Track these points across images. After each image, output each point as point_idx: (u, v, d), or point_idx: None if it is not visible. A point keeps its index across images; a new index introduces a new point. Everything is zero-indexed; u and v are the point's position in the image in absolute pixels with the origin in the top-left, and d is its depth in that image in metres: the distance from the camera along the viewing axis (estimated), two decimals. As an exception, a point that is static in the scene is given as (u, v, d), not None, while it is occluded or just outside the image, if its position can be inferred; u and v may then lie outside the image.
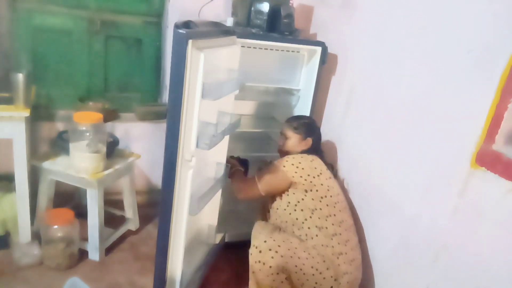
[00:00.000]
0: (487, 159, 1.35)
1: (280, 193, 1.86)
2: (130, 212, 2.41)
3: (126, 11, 2.48)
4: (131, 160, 2.27)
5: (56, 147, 2.20)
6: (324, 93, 2.34)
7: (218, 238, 2.18)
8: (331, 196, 1.81)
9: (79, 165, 2.00)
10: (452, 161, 1.49)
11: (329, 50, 2.18)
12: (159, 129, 2.55)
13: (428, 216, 1.60)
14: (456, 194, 1.46)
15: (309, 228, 1.77)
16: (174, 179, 1.58)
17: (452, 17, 1.52)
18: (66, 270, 2.01)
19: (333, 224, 1.77)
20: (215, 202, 2.08)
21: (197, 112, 1.53)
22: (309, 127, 2.01)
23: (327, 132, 2.36)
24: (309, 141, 1.98)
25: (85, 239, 2.11)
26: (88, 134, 2.01)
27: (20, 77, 1.79)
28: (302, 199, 1.80)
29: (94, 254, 2.11)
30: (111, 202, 2.46)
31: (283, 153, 2.02)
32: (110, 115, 2.42)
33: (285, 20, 2.13)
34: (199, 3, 2.35)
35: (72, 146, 2.00)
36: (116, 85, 2.62)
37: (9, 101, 1.82)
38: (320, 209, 1.78)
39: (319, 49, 2.15)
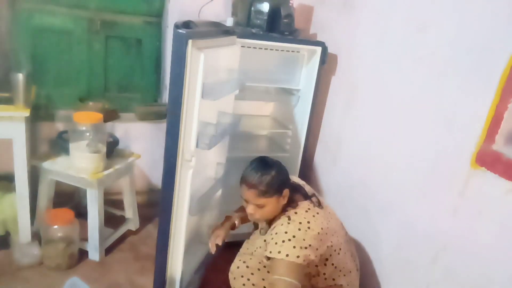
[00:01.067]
0: (487, 159, 1.35)
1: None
2: (130, 212, 2.41)
3: (126, 11, 2.48)
4: (131, 160, 2.27)
5: (56, 147, 2.20)
6: (324, 93, 2.34)
7: (218, 238, 2.17)
8: (335, 251, 1.56)
9: (79, 165, 2.00)
10: (452, 161, 1.49)
11: (329, 50, 2.18)
12: (159, 129, 2.55)
13: (428, 216, 1.60)
14: (456, 194, 1.46)
15: None
16: (174, 179, 1.58)
17: (452, 17, 1.52)
18: (66, 270, 2.01)
19: (326, 279, 1.58)
20: (215, 202, 2.08)
21: (197, 112, 1.53)
22: (277, 179, 1.52)
23: (327, 132, 2.36)
24: (286, 192, 1.55)
25: (85, 239, 2.11)
26: (88, 134, 2.01)
27: (20, 77, 1.79)
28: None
29: (94, 254, 2.11)
30: (111, 202, 2.46)
31: (264, 221, 1.64)
32: (110, 115, 2.42)
33: (285, 20, 2.12)
34: (199, 3, 2.35)
35: (72, 146, 2.00)
36: (116, 85, 2.62)
37: (9, 101, 1.82)
38: (324, 273, 1.57)
39: (319, 49, 2.15)
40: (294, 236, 1.44)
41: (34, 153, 2.25)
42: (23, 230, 2.00)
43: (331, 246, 1.53)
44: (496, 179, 1.31)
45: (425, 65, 1.64)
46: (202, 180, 1.90)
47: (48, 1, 2.29)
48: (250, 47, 2.13)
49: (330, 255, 1.54)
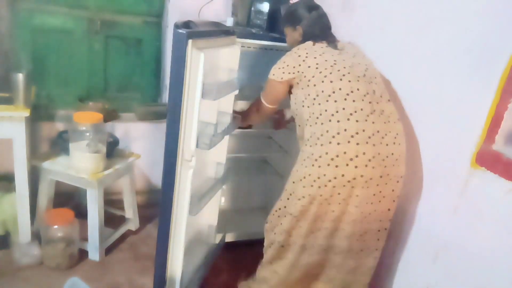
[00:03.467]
0: (487, 159, 1.35)
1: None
2: (130, 212, 2.41)
3: (126, 11, 2.48)
4: (131, 160, 2.27)
5: (56, 147, 2.20)
6: (324, 93, 2.34)
7: (218, 238, 2.18)
8: (330, 73, 1.54)
9: (79, 165, 2.00)
10: (452, 161, 1.49)
11: (329, 50, 2.17)
12: (159, 129, 2.55)
13: (428, 216, 1.60)
14: (456, 194, 1.46)
15: (311, 126, 1.54)
16: (174, 179, 1.58)
17: (452, 17, 1.52)
18: (66, 270, 2.01)
19: (335, 101, 1.50)
20: (215, 202, 2.08)
21: (197, 112, 1.53)
22: (293, 13, 1.76)
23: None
24: (299, 29, 1.74)
25: (85, 239, 2.11)
26: (88, 134, 2.01)
27: (20, 77, 1.79)
28: (299, 98, 1.61)
29: (94, 254, 2.11)
30: (111, 202, 2.46)
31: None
32: (110, 115, 2.42)
33: (285, 20, 2.12)
34: (199, 3, 2.35)
35: (72, 146, 2.01)
36: (116, 85, 2.62)
37: (9, 101, 1.82)
38: (317, 95, 1.53)
39: (319, 49, 2.14)
40: (281, 60, 1.66)
41: (34, 153, 2.25)
42: (23, 230, 2.00)
43: (319, 71, 1.56)
44: (496, 179, 1.31)
45: (425, 65, 1.64)
46: (202, 180, 1.90)
47: (48, 1, 2.29)
48: (250, 47, 2.13)
49: (319, 94, 1.53)
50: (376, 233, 1.61)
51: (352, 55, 1.67)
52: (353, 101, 1.50)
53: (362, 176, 1.46)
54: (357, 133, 1.46)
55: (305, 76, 1.58)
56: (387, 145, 1.50)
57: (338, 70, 1.55)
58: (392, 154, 1.50)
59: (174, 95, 1.48)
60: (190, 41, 1.42)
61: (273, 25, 2.13)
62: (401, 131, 1.56)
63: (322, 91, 1.52)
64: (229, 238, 2.32)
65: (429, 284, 1.58)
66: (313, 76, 1.56)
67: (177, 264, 1.74)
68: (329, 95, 1.51)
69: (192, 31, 1.46)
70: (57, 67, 2.41)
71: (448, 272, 1.49)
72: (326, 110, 1.50)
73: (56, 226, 1.98)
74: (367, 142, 1.46)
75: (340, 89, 1.51)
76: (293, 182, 1.58)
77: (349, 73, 1.55)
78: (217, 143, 1.76)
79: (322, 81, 1.54)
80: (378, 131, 1.49)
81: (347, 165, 1.44)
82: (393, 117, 1.56)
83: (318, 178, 1.47)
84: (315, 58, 1.59)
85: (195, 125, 1.56)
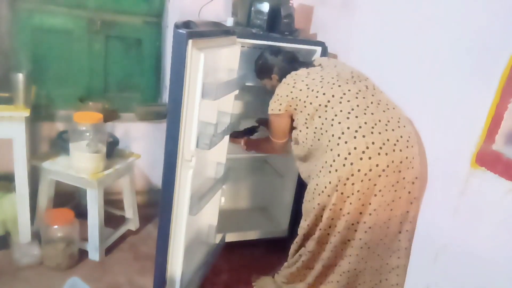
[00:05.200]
0: (487, 159, 1.35)
1: (291, 130, 1.78)
2: (130, 212, 2.40)
3: (126, 11, 2.48)
4: (131, 160, 2.27)
5: (56, 147, 2.20)
6: (324, 93, 2.34)
7: (218, 238, 2.18)
8: (321, 87, 1.63)
9: (79, 165, 2.00)
10: (452, 161, 1.49)
11: (329, 50, 2.18)
12: (159, 129, 2.55)
13: (428, 216, 1.60)
14: (456, 194, 1.46)
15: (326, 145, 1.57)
16: (174, 179, 1.58)
17: (452, 17, 1.52)
18: (66, 270, 2.01)
19: (332, 108, 1.58)
20: (215, 202, 2.08)
21: (197, 112, 1.53)
22: (263, 66, 1.91)
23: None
24: (275, 76, 1.88)
25: (85, 239, 2.11)
26: (88, 134, 2.01)
27: (20, 77, 1.79)
28: (300, 121, 1.68)
29: (94, 254, 2.11)
30: (111, 202, 2.46)
31: None
32: (110, 115, 2.42)
33: (285, 20, 2.13)
34: (199, 3, 2.35)
35: (72, 146, 2.00)
36: (116, 85, 2.62)
37: (9, 101, 1.82)
38: (316, 110, 1.61)
39: (319, 49, 2.14)
40: (274, 94, 1.75)
41: (34, 153, 2.25)
42: (23, 230, 2.00)
43: (324, 93, 1.61)
44: (496, 179, 1.31)
45: (425, 65, 1.64)
46: (202, 180, 1.90)
47: (48, 1, 2.29)
48: (250, 47, 2.13)
49: (317, 109, 1.61)
50: (398, 225, 1.58)
51: (334, 65, 1.77)
52: (348, 101, 1.59)
53: (377, 165, 1.48)
54: (360, 127, 1.52)
55: (299, 99, 1.67)
56: (393, 130, 1.54)
57: (328, 82, 1.65)
58: (401, 136, 1.53)
59: (174, 95, 1.48)
60: (190, 41, 1.42)
61: (273, 25, 2.13)
62: (402, 115, 1.63)
63: (319, 105, 1.61)
64: (229, 238, 2.32)
65: (429, 284, 1.58)
66: (307, 96, 1.65)
67: (177, 264, 1.74)
68: (326, 105, 1.60)
69: (192, 31, 1.46)
70: (57, 67, 2.41)
71: (448, 272, 1.49)
72: (326, 119, 1.59)
73: (56, 226, 1.98)
74: (372, 133, 1.51)
75: (333, 96, 1.61)
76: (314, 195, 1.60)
77: (337, 80, 1.66)
78: (217, 143, 1.76)
79: (316, 97, 1.63)
80: (380, 120, 1.55)
81: (361, 159, 1.48)
82: (390, 104, 1.65)
83: (338, 182, 1.50)
84: (302, 81, 1.70)
85: (195, 125, 1.55)
